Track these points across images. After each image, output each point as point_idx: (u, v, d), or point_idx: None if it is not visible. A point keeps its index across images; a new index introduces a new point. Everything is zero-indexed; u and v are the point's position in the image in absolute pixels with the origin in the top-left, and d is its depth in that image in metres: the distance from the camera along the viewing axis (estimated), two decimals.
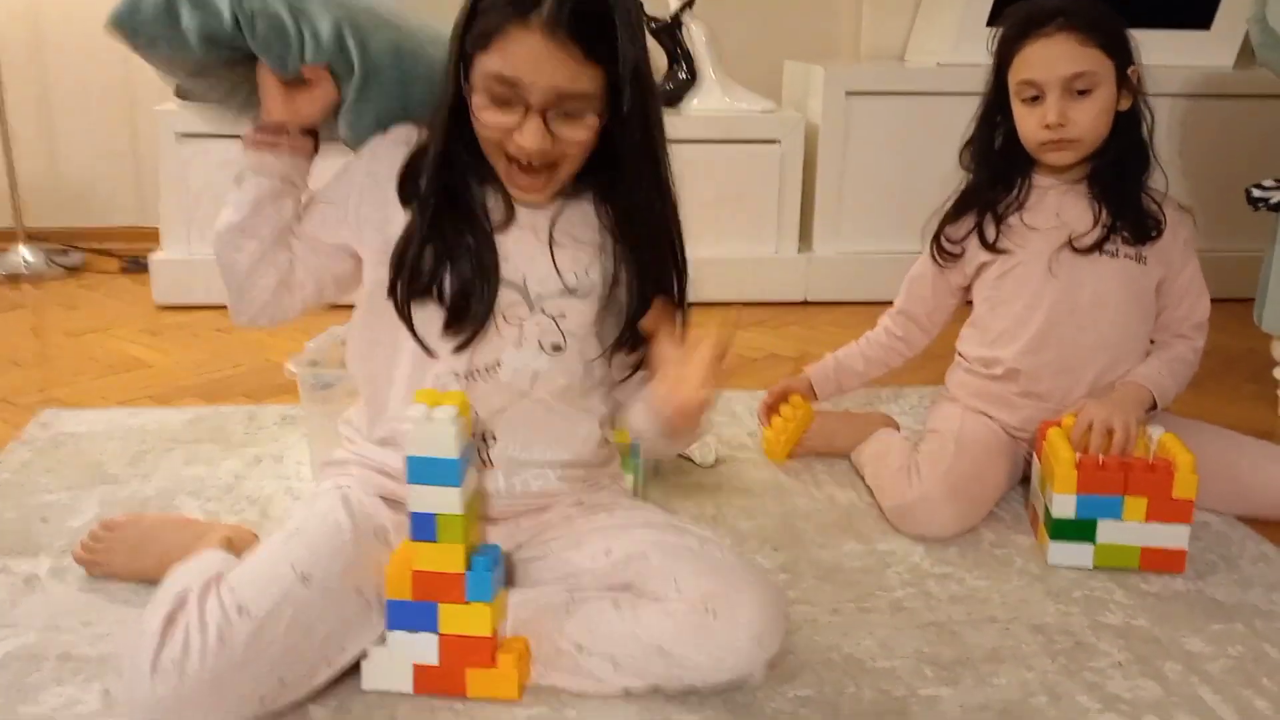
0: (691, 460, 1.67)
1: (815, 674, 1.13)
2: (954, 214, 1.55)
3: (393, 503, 1.15)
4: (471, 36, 1.04)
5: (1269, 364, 1.93)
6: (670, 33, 2.62)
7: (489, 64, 1.02)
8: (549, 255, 1.11)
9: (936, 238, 1.55)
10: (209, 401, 1.89)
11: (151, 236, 2.63)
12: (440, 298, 1.09)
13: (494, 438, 1.14)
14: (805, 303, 2.61)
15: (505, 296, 1.11)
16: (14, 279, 2.68)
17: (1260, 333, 1.91)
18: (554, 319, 1.13)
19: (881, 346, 1.65)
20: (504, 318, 1.12)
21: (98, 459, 1.63)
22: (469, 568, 1.04)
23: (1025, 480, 1.53)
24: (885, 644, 1.19)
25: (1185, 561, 1.32)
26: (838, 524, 1.48)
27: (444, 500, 1.02)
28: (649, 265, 1.15)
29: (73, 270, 2.77)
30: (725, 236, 2.58)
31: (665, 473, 1.64)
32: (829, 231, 2.60)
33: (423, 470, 1.02)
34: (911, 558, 1.38)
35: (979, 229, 1.51)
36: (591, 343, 1.16)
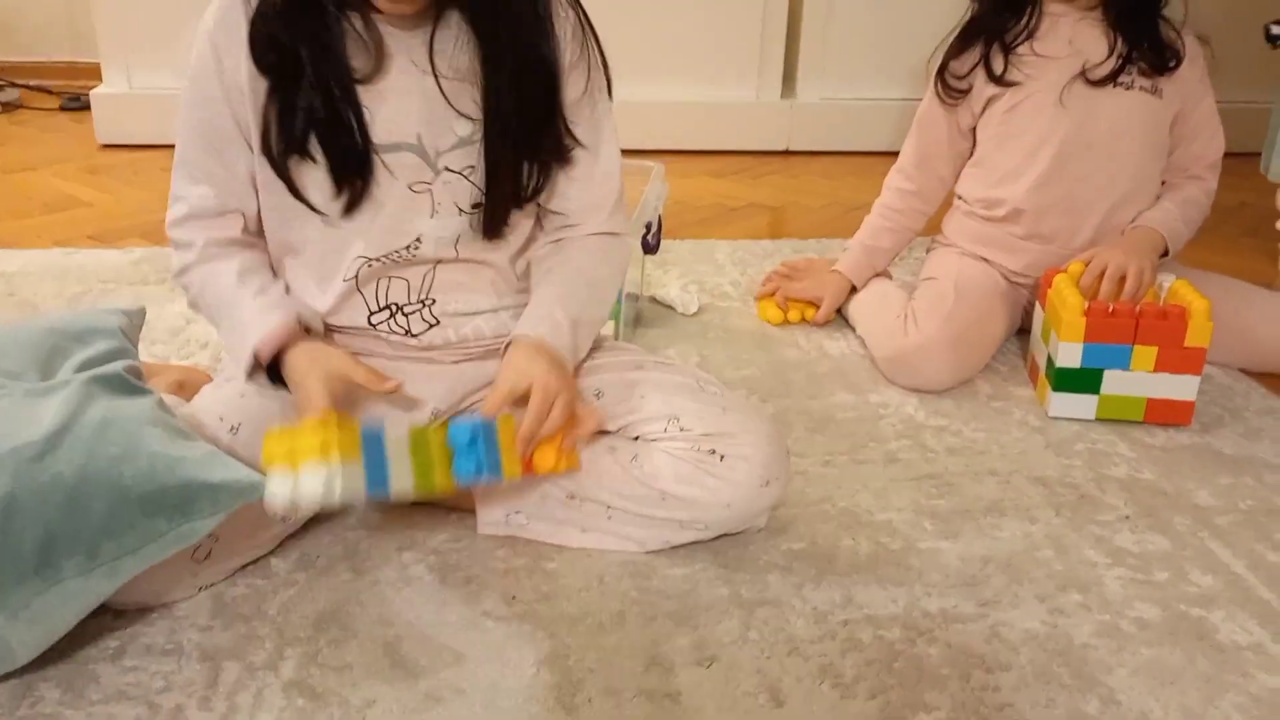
0: (673, 308, 1.59)
1: (809, 526, 1.08)
2: (959, 46, 1.43)
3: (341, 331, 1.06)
4: None
5: (1268, 217, 1.85)
6: None
7: None
8: (439, 95, 0.97)
9: (941, 72, 1.44)
10: (154, 243, 1.77)
11: (92, 73, 2.44)
12: (315, 160, 0.96)
13: (432, 300, 1.05)
14: (787, 152, 2.49)
15: (403, 161, 0.98)
16: None
17: (1258, 187, 1.83)
18: (462, 175, 1.00)
19: (900, 213, 1.53)
20: (410, 188, 0.99)
21: (31, 299, 1.52)
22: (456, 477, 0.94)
23: (1023, 331, 1.47)
24: (881, 496, 1.14)
25: (1192, 414, 1.26)
26: (829, 375, 1.41)
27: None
28: (524, 77, 0.98)
29: (8, 107, 2.59)
30: (703, 79, 2.43)
31: (646, 320, 1.56)
32: (814, 75, 2.46)
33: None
34: (905, 409, 1.32)
35: (986, 60, 1.40)
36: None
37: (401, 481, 0.90)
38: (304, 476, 0.85)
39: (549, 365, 0.96)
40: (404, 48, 0.97)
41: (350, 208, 0.98)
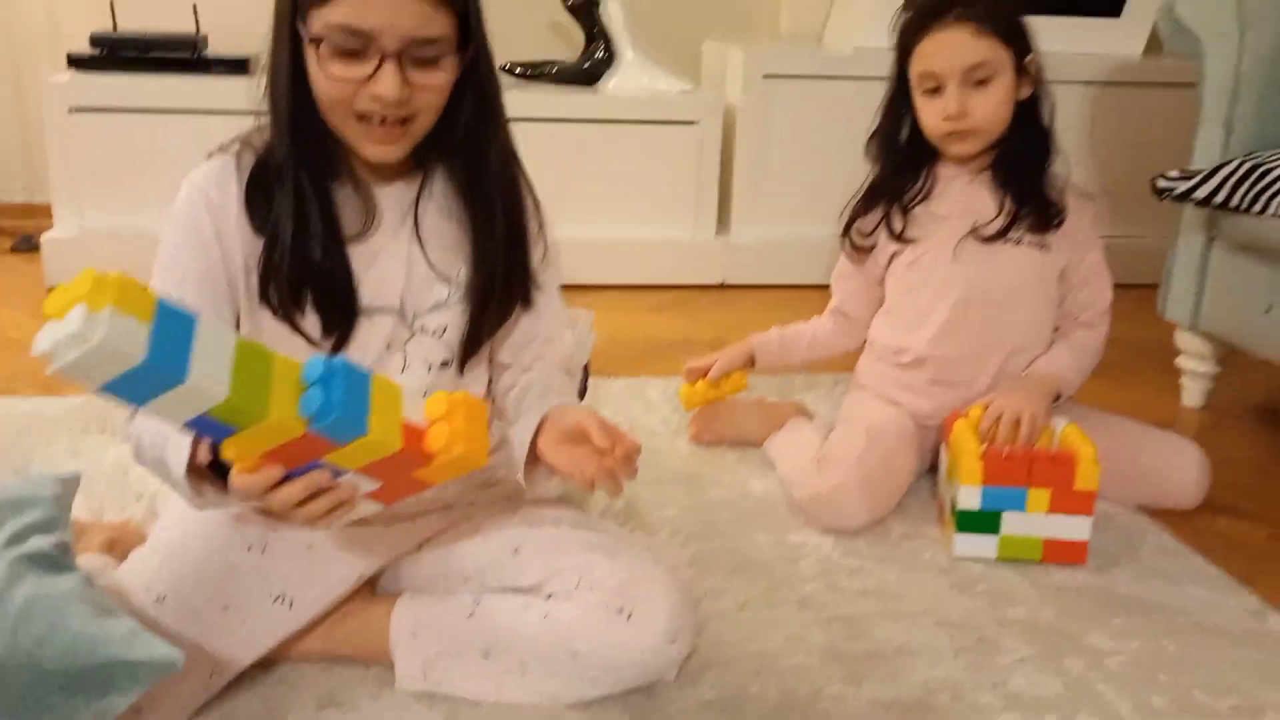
0: None
1: (720, 673, 1.12)
2: (863, 206, 1.54)
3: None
4: None
5: (1173, 352, 1.97)
6: (588, 11, 2.57)
7: (333, 16, 0.95)
8: (423, 261, 1.06)
9: (847, 233, 1.54)
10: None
11: (43, 213, 2.51)
12: (305, 311, 1.03)
13: None
14: (723, 286, 2.59)
15: (382, 323, 1.06)
16: None
17: (1165, 321, 1.94)
18: (435, 335, 1.09)
19: (828, 333, 1.64)
20: (386, 346, 1.07)
21: None
22: (309, 419, 0.79)
23: (934, 469, 1.54)
24: (793, 639, 1.18)
25: (1087, 553, 1.33)
26: (750, 515, 1.46)
27: (190, 399, 0.75)
28: (511, 243, 1.09)
29: None
30: (642, 218, 2.55)
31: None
32: (747, 214, 2.58)
33: (132, 388, 0.72)
34: (822, 549, 1.37)
35: (887, 219, 1.51)
36: (480, 356, 1.12)
37: (208, 379, 0.74)
38: (67, 318, 0.69)
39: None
40: (392, 205, 1.06)
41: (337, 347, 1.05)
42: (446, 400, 0.88)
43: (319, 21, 0.95)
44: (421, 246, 1.06)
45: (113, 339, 0.69)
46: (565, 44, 2.80)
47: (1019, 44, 1.43)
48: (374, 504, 0.91)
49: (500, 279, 1.08)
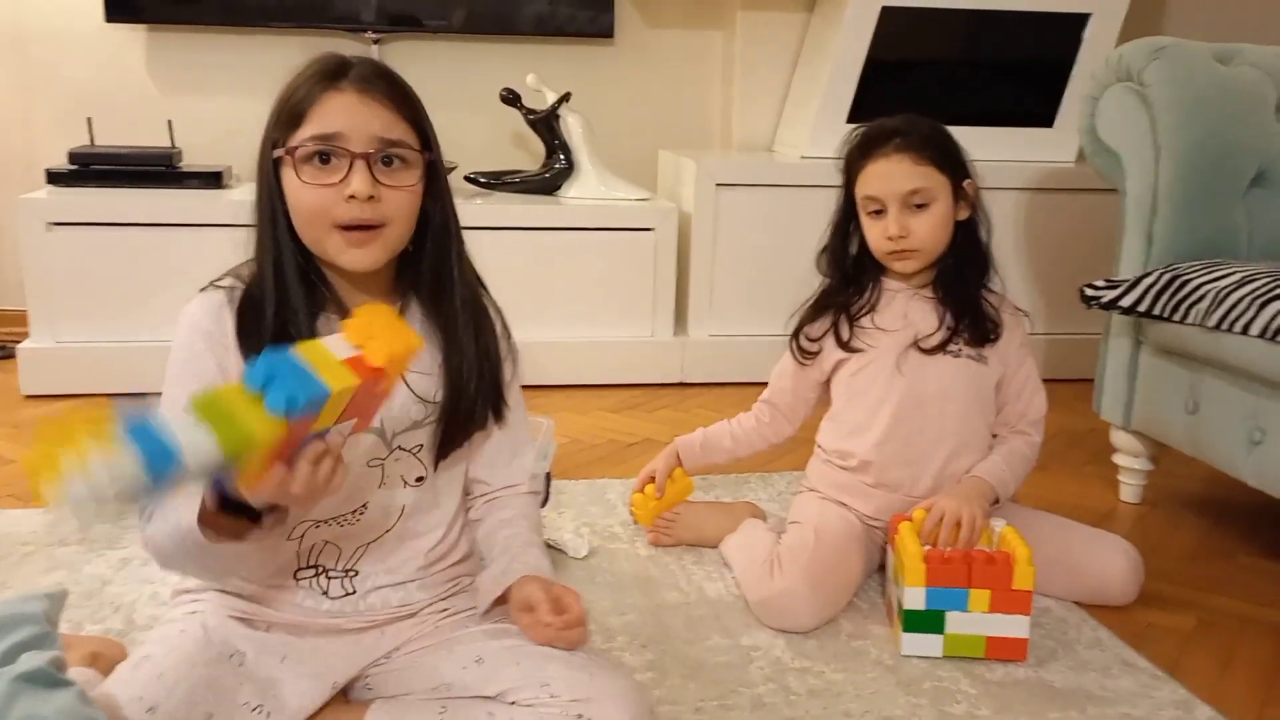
0: (564, 553, 1.71)
1: None
2: (812, 314, 1.63)
3: (247, 620, 1.15)
4: (280, 126, 1.08)
5: (1109, 447, 2.06)
6: (548, 123, 2.70)
7: (305, 133, 1.06)
8: (403, 385, 1.14)
9: (796, 336, 1.64)
10: None
11: (15, 320, 2.56)
12: None
13: (355, 571, 1.17)
14: (681, 384, 2.68)
15: (363, 440, 1.13)
16: None
17: (1097, 415, 2.04)
18: (412, 453, 1.17)
19: (749, 430, 1.73)
20: (366, 463, 1.15)
21: None
22: (285, 416, 0.86)
23: (883, 568, 1.61)
24: None
25: (1027, 649, 1.40)
26: (705, 618, 1.52)
27: (192, 472, 0.84)
28: (482, 365, 1.18)
29: None
30: (603, 320, 2.64)
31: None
32: (702, 315, 2.68)
33: (146, 495, 0.83)
34: (774, 651, 1.44)
35: (835, 329, 1.60)
36: (450, 464, 1.20)
37: (198, 449, 0.82)
38: (71, 480, 0.77)
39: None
40: None
41: None
42: (360, 320, 0.95)
43: (294, 143, 1.07)
44: (405, 379, 1.14)
45: (115, 480, 0.78)
46: (527, 155, 2.92)
47: (955, 170, 1.55)
48: (360, 436, 1.02)
49: (472, 399, 1.17)
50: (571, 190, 2.70)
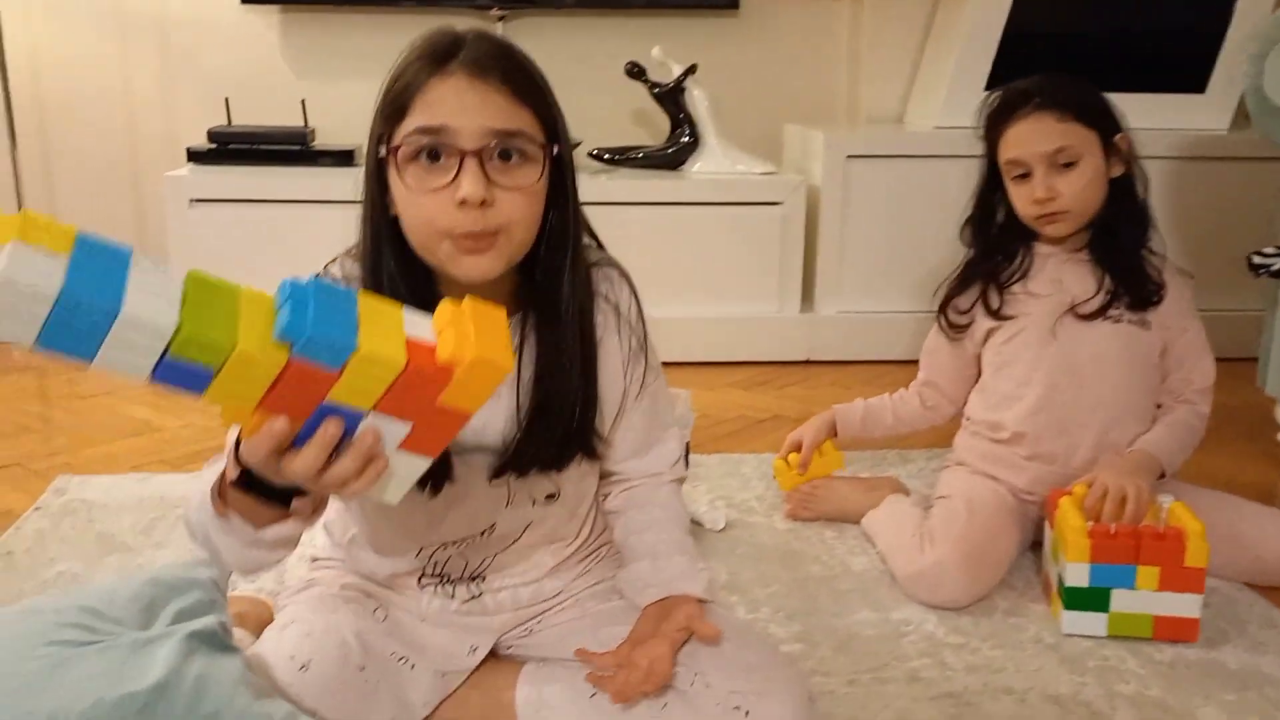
0: (701, 525, 1.68)
1: None
2: (959, 285, 1.58)
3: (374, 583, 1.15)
4: (384, 118, 0.95)
5: (1271, 424, 1.95)
6: (673, 97, 2.67)
7: (410, 126, 0.92)
8: (511, 401, 1.03)
9: (944, 310, 1.58)
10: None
11: None
12: None
13: (483, 577, 1.15)
14: (808, 362, 2.63)
15: (482, 459, 1.04)
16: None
17: (1259, 392, 1.93)
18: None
19: (913, 411, 1.68)
20: (490, 482, 1.06)
21: (110, 528, 1.63)
22: (287, 344, 0.70)
23: (1036, 545, 1.55)
24: (903, 716, 1.20)
25: (1198, 630, 1.33)
26: (851, 591, 1.49)
27: (138, 334, 0.65)
28: (578, 389, 1.05)
29: None
30: (728, 297, 2.61)
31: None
32: (830, 291, 2.63)
33: (69, 335, 0.64)
34: (926, 626, 1.39)
35: (984, 298, 1.54)
36: (581, 478, 1.14)
37: (148, 308, 0.65)
38: None
39: (662, 634, 1.05)
40: None
41: (434, 495, 1.04)
42: (450, 310, 0.76)
43: (399, 138, 0.93)
44: (518, 391, 1.03)
45: (22, 277, 0.61)
46: (649, 131, 2.90)
47: (1104, 124, 1.47)
48: (418, 459, 0.79)
49: (553, 436, 1.05)
50: (697, 165, 2.67)
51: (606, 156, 2.73)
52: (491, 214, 0.92)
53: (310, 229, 2.35)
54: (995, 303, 1.53)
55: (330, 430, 0.75)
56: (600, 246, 1.13)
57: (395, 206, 0.96)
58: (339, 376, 0.71)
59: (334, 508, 1.20)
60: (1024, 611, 1.43)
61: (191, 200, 2.44)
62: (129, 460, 1.93)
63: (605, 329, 1.09)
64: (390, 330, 0.73)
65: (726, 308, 2.61)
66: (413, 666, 1.10)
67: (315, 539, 1.25)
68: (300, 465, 0.75)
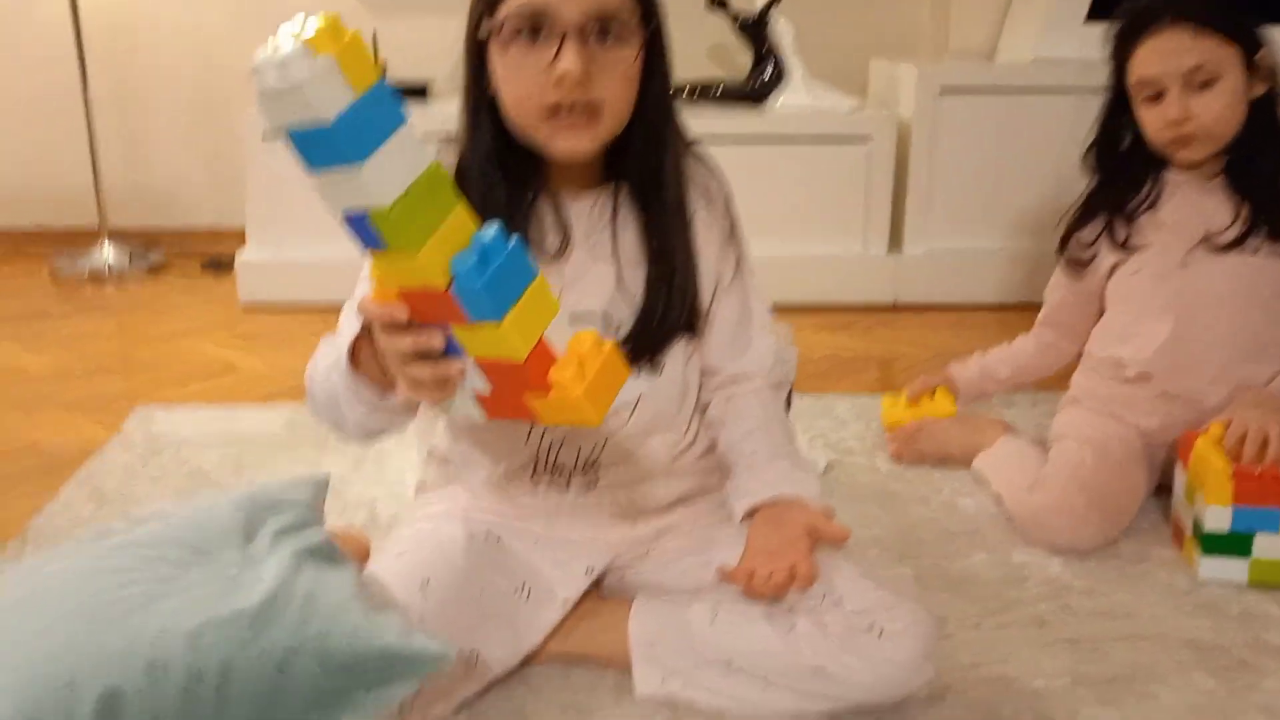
0: None
1: (964, 694, 1.08)
2: (1082, 216, 1.49)
3: (501, 490, 1.13)
4: (485, 1, 0.97)
5: None
6: (756, 30, 2.57)
7: (511, 4, 0.94)
8: (619, 278, 1.06)
9: (1065, 244, 1.50)
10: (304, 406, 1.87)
11: (232, 236, 2.63)
12: None
13: (596, 468, 1.11)
14: (894, 306, 2.55)
15: (598, 328, 1.05)
16: (97, 279, 2.69)
17: None
18: None
19: (1029, 356, 1.61)
20: None
21: (200, 465, 1.61)
22: (452, 279, 0.75)
23: (1160, 489, 1.46)
24: (1033, 662, 1.14)
25: None
26: (962, 534, 1.42)
27: (356, 188, 0.71)
28: (683, 269, 1.07)
29: (154, 270, 2.78)
30: (811, 237, 2.52)
31: None
32: (919, 231, 2.53)
33: (311, 147, 0.71)
34: (1048, 570, 1.32)
35: (1109, 229, 1.45)
36: (685, 358, 1.12)
37: (380, 178, 0.71)
38: (287, 47, 0.68)
39: (787, 540, 1.03)
40: (585, 230, 1.06)
41: None
42: (593, 342, 0.81)
43: (499, 20, 0.95)
44: (619, 265, 1.06)
45: (312, 90, 0.67)
46: (726, 66, 2.81)
47: (1245, 40, 1.37)
48: (477, 409, 0.85)
49: (665, 316, 1.07)
50: (780, 100, 2.57)
51: (687, 91, 2.64)
52: (589, 90, 0.95)
53: None
54: (1122, 234, 1.44)
55: (434, 339, 0.80)
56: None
57: (494, 86, 0.99)
58: (471, 325, 0.77)
59: (438, 432, 1.19)
60: (1152, 557, 1.35)
61: (266, 135, 2.39)
62: (210, 400, 1.90)
63: (697, 209, 1.09)
64: (535, 324, 0.78)
65: (809, 248, 2.52)
66: (528, 594, 1.07)
67: (423, 469, 1.24)
68: (393, 344, 0.81)
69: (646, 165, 1.04)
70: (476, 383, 0.83)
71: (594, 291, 1.06)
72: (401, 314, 0.79)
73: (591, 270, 1.06)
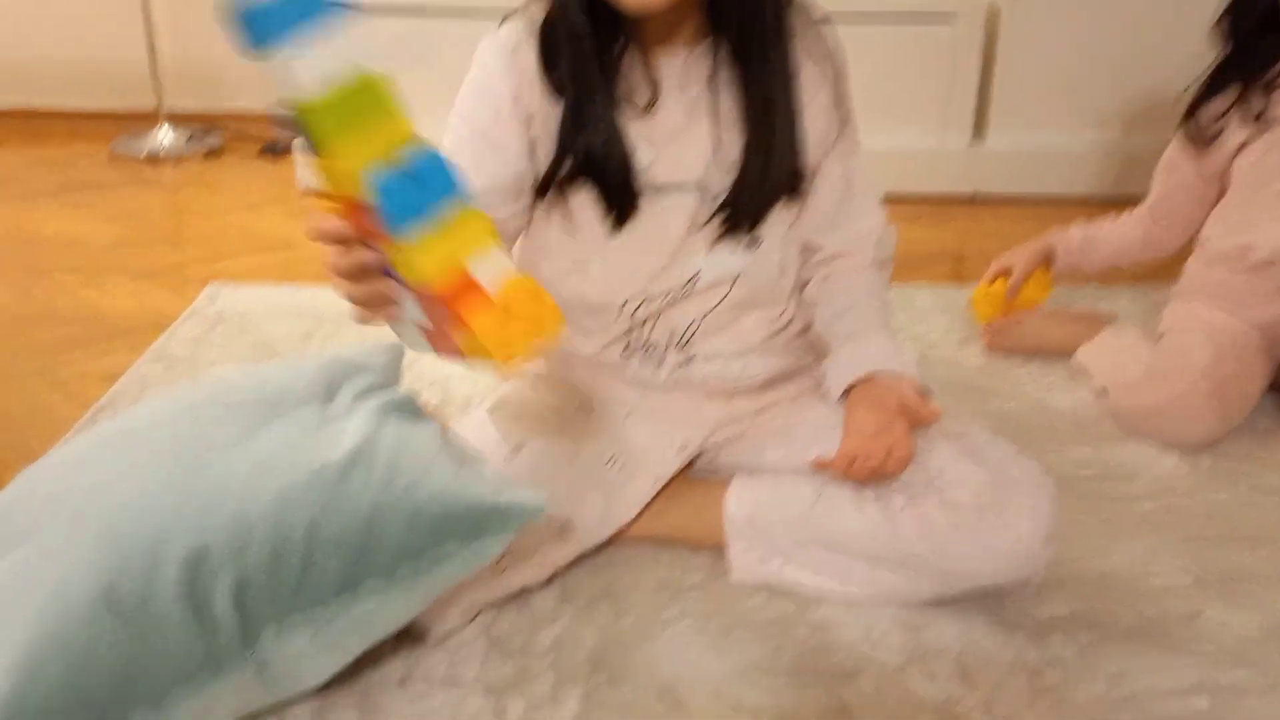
0: None
1: (1075, 589, 1.03)
2: (1211, 88, 1.37)
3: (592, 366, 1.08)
4: None
5: None
6: None
7: None
8: (717, 138, 0.97)
9: (1190, 117, 1.39)
10: None
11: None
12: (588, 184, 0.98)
13: (690, 344, 1.05)
14: (974, 199, 2.44)
15: (681, 200, 0.98)
16: (154, 160, 2.64)
17: None
18: None
19: (1131, 239, 1.50)
20: (688, 228, 0.99)
21: (267, 339, 1.57)
22: (377, 191, 0.69)
23: (1271, 386, 1.38)
24: (1147, 558, 1.08)
25: None
26: (1060, 430, 1.35)
27: (285, 77, 0.67)
28: (785, 126, 0.99)
29: (211, 153, 2.72)
30: (888, 122, 2.40)
31: None
32: (1004, 120, 2.40)
33: (247, 26, 0.66)
34: (1155, 467, 1.25)
35: (1242, 101, 1.34)
36: (785, 228, 1.04)
37: (305, 67, 0.67)
38: None
39: (883, 422, 0.97)
40: (679, 85, 0.97)
41: (620, 232, 0.98)
42: (529, 289, 0.72)
43: None
44: (718, 123, 0.98)
45: None
46: None
47: None
48: (423, 341, 0.79)
49: (765, 184, 0.99)
50: None
51: None
52: None
53: (461, 32, 2.22)
54: (1258, 106, 1.33)
55: (364, 254, 0.73)
56: None
57: None
58: (395, 245, 0.70)
59: None
60: (1264, 456, 1.28)
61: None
62: (267, 275, 1.86)
63: (803, 65, 0.99)
64: (455, 250, 0.70)
65: (885, 135, 2.40)
66: (619, 466, 1.03)
67: None
68: (331, 258, 0.74)
69: (746, 18, 0.95)
70: (414, 312, 0.76)
71: (690, 157, 0.98)
72: (343, 231, 0.73)
73: (687, 133, 0.98)
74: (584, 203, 0.98)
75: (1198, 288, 1.42)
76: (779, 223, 1.03)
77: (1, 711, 0.71)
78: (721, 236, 1.00)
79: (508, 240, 1.02)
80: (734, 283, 1.03)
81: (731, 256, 1.02)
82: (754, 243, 1.02)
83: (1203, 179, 1.41)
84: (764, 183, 0.99)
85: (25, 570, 0.78)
